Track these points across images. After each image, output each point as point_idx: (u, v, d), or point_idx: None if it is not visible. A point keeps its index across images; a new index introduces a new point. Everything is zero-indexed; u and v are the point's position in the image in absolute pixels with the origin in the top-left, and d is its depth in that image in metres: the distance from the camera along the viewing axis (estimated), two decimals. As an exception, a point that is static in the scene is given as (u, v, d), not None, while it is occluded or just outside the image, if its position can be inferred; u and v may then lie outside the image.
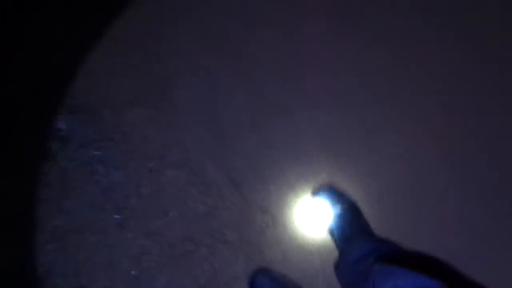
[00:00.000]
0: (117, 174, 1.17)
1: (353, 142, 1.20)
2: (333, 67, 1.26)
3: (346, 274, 0.91)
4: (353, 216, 1.06)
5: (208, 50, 1.26)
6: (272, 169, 1.17)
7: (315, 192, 1.12)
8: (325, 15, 1.29)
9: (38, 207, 1.12)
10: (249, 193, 1.15)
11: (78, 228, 1.12)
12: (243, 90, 1.23)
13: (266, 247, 1.11)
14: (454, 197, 1.17)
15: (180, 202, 1.15)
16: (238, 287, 1.07)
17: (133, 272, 1.10)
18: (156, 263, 1.10)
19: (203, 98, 1.22)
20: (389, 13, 1.31)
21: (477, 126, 1.23)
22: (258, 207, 1.14)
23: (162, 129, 1.20)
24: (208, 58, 1.25)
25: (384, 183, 1.18)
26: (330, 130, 1.21)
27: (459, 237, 1.15)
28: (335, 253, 1.10)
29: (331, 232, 1.07)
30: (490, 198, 1.18)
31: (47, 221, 1.12)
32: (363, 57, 1.27)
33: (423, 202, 1.17)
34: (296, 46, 1.27)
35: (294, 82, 1.24)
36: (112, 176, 1.16)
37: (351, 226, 1.02)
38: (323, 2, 1.30)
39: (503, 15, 1.32)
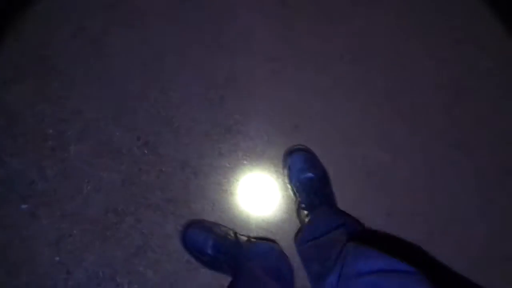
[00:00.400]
0: (14, 162, 1.05)
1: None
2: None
3: (311, 247, 0.87)
4: (323, 184, 1.01)
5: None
6: (183, 121, 1.11)
7: (288, 152, 1.05)
8: None
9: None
10: (163, 150, 1.09)
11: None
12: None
13: (192, 201, 1.06)
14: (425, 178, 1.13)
15: (92, 175, 1.06)
16: (172, 246, 1.04)
17: (57, 258, 1.02)
18: (81, 243, 1.03)
19: (88, 61, 1.10)
20: None
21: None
22: (176, 162, 1.08)
23: (53, 102, 1.08)
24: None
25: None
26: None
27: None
28: (266, 195, 1.08)
29: (295, 193, 1.01)
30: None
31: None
32: None
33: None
34: None
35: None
36: (9, 165, 1.05)
37: (318, 194, 0.97)
38: None
39: None
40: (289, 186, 1.04)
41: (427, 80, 1.14)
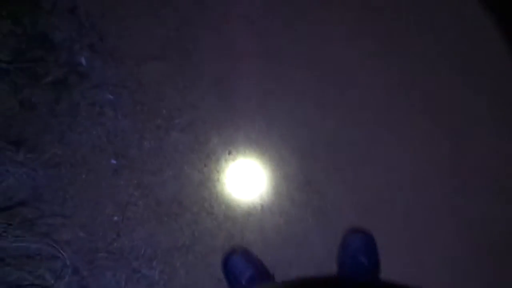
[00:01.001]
0: (124, 122, 1.18)
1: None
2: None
3: None
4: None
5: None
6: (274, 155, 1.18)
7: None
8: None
9: (42, 132, 1.14)
10: (248, 171, 1.16)
11: (75, 162, 1.14)
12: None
13: (249, 231, 1.12)
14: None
15: (177, 164, 1.16)
16: (213, 260, 1.09)
17: (115, 218, 1.12)
18: (140, 215, 1.12)
19: (222, 69, 1.22)
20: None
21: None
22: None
23: (179, 90, 1.20)
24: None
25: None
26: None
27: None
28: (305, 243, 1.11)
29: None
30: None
31: (47, 147, 1.14)
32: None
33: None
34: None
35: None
36: (119, 122, 1.17)
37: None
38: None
39: None
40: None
41: None
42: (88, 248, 1.10)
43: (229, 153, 1.17)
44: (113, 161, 1.15)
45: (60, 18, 1.22)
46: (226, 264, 1.05)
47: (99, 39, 1.21)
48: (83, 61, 1.19)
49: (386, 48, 1.25)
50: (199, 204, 1.13)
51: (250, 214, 1.13)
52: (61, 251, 1.08)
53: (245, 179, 1.16)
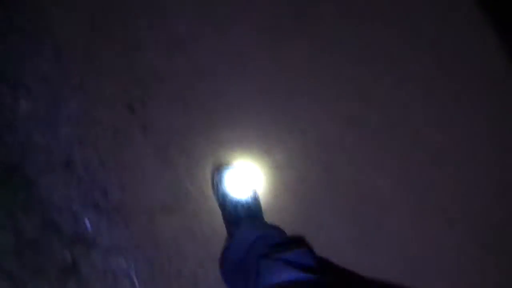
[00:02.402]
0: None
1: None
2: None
3: (233, 276, 0.92)
4: (253, 203, 1.04)
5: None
6: None
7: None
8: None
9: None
10: None
11: None
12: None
13: None
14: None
15: None
16: None
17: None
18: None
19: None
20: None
21: None
22: None
23: (199, 243, 1.07)
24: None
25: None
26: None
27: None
28: None
29: (224, 210, 1.04)
30: None
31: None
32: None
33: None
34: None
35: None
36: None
37: (245, 211, 1.00)
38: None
39: None
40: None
41: None
42: None
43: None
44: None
45: (55, 177, 1.08)
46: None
47: (102, 194, 1.08)
48: (88, 224, 1.06)
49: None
50: None
51: None
52: None
53: None
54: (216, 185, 1.06)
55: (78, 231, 1.04)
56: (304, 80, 1.18)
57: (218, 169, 1.08)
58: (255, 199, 1.06)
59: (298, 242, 1.04)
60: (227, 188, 1.04)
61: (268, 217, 1.08)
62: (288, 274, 0.68)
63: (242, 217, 0.99)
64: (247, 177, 1.09)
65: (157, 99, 1.14)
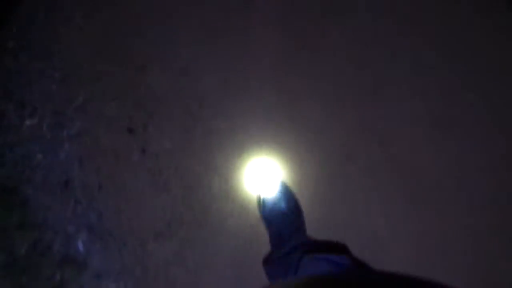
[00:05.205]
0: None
1: None
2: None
3: (275, 268, 0.94)
4: (294, 216, 1.03)
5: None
6: None
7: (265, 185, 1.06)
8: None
9: None
10: None
11: None
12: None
13: None
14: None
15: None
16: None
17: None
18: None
19: (240, 246, 1.08)
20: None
21: None
22: None
23: (190, 271, 1.06)
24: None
25: None
26: None
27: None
28: None
29: (268, 223, 1.03)
30: None
31: None
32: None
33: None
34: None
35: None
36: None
37: (289, 226, 0.99)
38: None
39: None
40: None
41: None
42: None
43: None
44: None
45: (52, 196, 1.09)
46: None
47: (97, 217, 1.08)
48: (80, 246, 1.06)
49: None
50: None
51: None
52: None
53: None
54: (261, 203, 1.06)
55: (70, 252, 1.04)
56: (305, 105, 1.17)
57: (264, 188, 1.08)
58: (300, 215, 1.06)
59: (340, 247, 1.03)
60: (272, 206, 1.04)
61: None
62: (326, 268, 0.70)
63: (288, 234, 0.98)
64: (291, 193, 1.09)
65: (157, 123, 1.14)
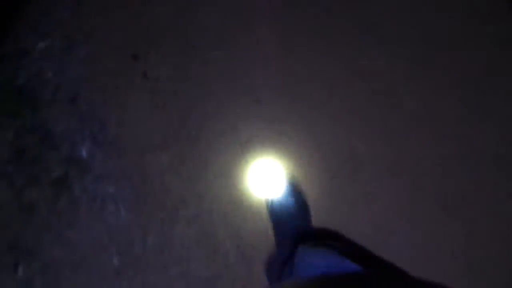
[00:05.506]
0: (127, 217, 1.13)
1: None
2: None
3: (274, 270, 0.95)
4: (303, 214, 1.05)
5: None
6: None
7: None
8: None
9: (40, 233, 1.09)
10: (257, 268, 1.10)
11: (75, 263, 1.08)
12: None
13: None
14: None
15: (183, 261, 1.10)
16: None
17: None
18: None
19: (229, 157, 1.19)
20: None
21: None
22: None
23: (183, 180, 1.16)
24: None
25: None
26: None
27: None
28: None
29: (274, 220, 1.06)
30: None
31: (45, 249, 1.08)
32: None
33: None
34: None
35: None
36: (122, 217, 1.13)
37: (294, 224, 1.01)
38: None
39: None
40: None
41: None
42: None
43: (238, 247, 1.12)
44: (116, 260, 1.09)
45: (60, 108, 1.19)
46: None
47: (100, 129, 1.19)
48: (84, 153, 1.16)
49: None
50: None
51: None
52: None
53: (255, 275, 1.10)
54: (270, 205, 1.09)
55: (75, 155, 1.15)
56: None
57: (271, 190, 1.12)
58: (307, 212, 1.09)
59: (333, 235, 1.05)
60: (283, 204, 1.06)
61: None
62: (330, 262, 0.62)
63: (292, 233, 1.00)
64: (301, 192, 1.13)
65: (159, 51, 1.26)
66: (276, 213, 1.06)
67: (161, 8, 1.29)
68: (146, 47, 1.26)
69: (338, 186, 1.15)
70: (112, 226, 1.11)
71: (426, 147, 1.18)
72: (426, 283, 0.36)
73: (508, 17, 1.26)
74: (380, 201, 1.14)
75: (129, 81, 1.23)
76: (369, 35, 1.25)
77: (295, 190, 1.11)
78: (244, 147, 1.18)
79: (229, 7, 1.29)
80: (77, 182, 1.12)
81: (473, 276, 1.11)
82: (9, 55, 1.21)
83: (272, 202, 1.08)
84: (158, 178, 1.16)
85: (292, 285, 0.44)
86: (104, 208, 1.12)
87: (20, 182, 1.09)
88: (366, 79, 1.22)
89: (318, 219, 1.12)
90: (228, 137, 1.20)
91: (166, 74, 1.24)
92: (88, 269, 1.08)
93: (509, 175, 1.16)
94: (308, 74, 1.23)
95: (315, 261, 0.64)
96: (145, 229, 1.12)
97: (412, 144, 1.18)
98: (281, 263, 0.95)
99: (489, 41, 1.24)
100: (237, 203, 1.15)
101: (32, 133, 1.14)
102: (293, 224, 1.04)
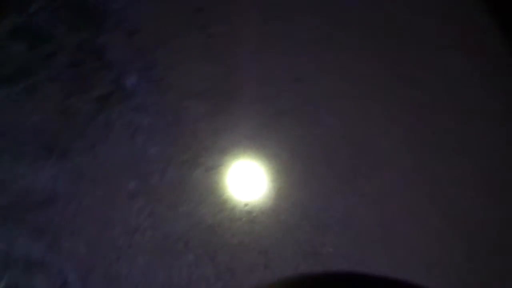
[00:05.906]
0: (153, 149, 1.20)
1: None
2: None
3: None
4: None
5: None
6: None
7: None
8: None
9: (75, 139, 1.17)
10: (259, 228, 1.17)
11: (97, 176, 1.16)
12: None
13: (247, 286, 1.11)
14: None
15: (193, 203, 1.17)
16: None
17: (120, 241, 1.12)
18: (144, 245, 1.12)
19: (259, 123, 1.26)
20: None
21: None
22: None
23: (212, 132, 1.24)
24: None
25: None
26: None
27: None
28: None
29: None
30: None
31: (76, 155, 1.17)
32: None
33: None
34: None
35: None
36: (148, 148, 1.20)
37: None
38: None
39: None
40: None
41: None
42: (86, 263, 1.10)
43: (245, 205, 1.18)
44: (132, 185, 1.17)
45: (119, 38, 1.28)
46: None
47: (150, 67, 1.27)
48: (131, 82, 1.24)
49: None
50: (204, 248, 1.13)
51: (252, 271, 1.12)
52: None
53: (255, 235, 1.16)
54: None
55: (122, 82, 1.23)
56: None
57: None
58: None
59: None
60: None
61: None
62: None
63: None
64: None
65: (223, 10, 1.34)
66: None
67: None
68: (213, 1, 1.35)
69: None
70: (138, 154, 1.19)
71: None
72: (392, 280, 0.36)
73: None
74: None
75: (186, 30, 1.32)
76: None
77: None
78: (274, 119, 1.25)
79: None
80: (117, 105, 1.21)
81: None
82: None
83: None
84: (190, 123, 1.24)
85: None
86: (135, 136, 1.20)
87: (69, 89, 1.18)
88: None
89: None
90: (263, 106, 1.27)
91: (223, 31, 1.32)
92: (107, 184, 1.15)
93: None
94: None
95: None
96: (166, 165, 1.19)
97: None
98: None
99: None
100: (256, 168, 1.21)
101: (90, 50, 1.23)
102: None
